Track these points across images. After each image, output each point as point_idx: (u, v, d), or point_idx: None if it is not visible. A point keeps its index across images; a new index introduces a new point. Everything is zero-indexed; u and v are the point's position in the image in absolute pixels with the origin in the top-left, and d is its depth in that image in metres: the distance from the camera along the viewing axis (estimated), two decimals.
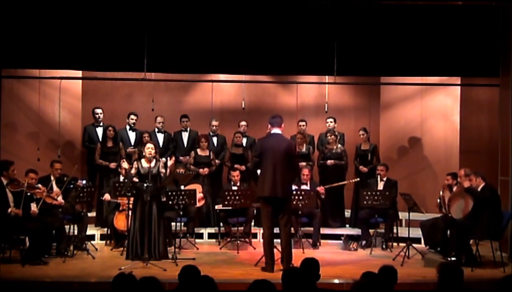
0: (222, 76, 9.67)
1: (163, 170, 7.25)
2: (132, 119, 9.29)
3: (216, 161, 9.19)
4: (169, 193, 7.45)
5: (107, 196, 8.29)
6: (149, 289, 3.80)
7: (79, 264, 7.06)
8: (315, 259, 4.37)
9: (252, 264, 7.00)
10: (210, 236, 8.79)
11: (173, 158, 7.70)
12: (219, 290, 3.86)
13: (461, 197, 7.26)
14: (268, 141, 6.84)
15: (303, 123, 9.43)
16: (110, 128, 9.03)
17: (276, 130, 6.85)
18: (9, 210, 6.98)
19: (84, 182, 7.98)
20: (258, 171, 6.99)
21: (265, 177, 6.68)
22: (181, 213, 7.73)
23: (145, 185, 7.13)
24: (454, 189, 7.70)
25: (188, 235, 8.38)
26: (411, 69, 8.29)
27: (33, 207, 7.22)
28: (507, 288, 3.85)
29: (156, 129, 9.36)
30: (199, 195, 8.36)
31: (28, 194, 7.14)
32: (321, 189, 8.53)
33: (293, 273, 3.97)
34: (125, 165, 7.88)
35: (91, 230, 8.37)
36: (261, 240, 8.01)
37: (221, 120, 9.81)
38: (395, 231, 8.40)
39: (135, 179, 7.29)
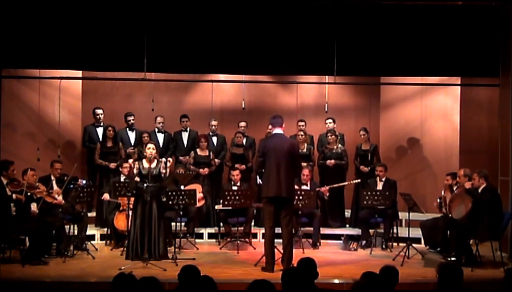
0: (222, 76, 9.67)
1: (164, 170, 7.26)
2: (130, 120, 9.30)
3: (216, 160, 9.18)
4: (169, 193, 7.45)
5: (106, 196, 8.28)
6: (149, 289, 3.80)
7: (79, 264, 7.05)
8: (310, 258, 4.35)
9: (252, 264, 7.00)
10: (210, 236, 8.79)
11: (172, 158, 7.65)
12: (219, 290, 3.86)
13: (462, 198, 7.24)
14: (270, 141, 6.85)
15: (303, 123, 9.42)
16: (110, 128, 9.03)
17: (277, 130, 6.87)
18: (14, 196, 6.99)
19: (84, 181, 7.97)
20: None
21: (269, 177, 6.69)
22: (181, 213, 7.73)
23: (145, 185, 7.13)
24: (455, 189, 7.69)
25: (188, 235, 8.38)
26: (411, 69, 8.29)
27: (33, 207, 7.23)
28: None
29: (156, 130, 9.36)
30: (199, 195, 8.36)
31: (28, 193, 7.15)
32: (325, 190, 8.51)
33: (292, 273, 3.96)
34: (130, 161, 7.85)
35: (91, 230, 8.37)
36: (261, 240, 8.03)
37: (221, 120, 9.81)
38: (395, 231, 8.40)
39: (136, 179, 7.29)
